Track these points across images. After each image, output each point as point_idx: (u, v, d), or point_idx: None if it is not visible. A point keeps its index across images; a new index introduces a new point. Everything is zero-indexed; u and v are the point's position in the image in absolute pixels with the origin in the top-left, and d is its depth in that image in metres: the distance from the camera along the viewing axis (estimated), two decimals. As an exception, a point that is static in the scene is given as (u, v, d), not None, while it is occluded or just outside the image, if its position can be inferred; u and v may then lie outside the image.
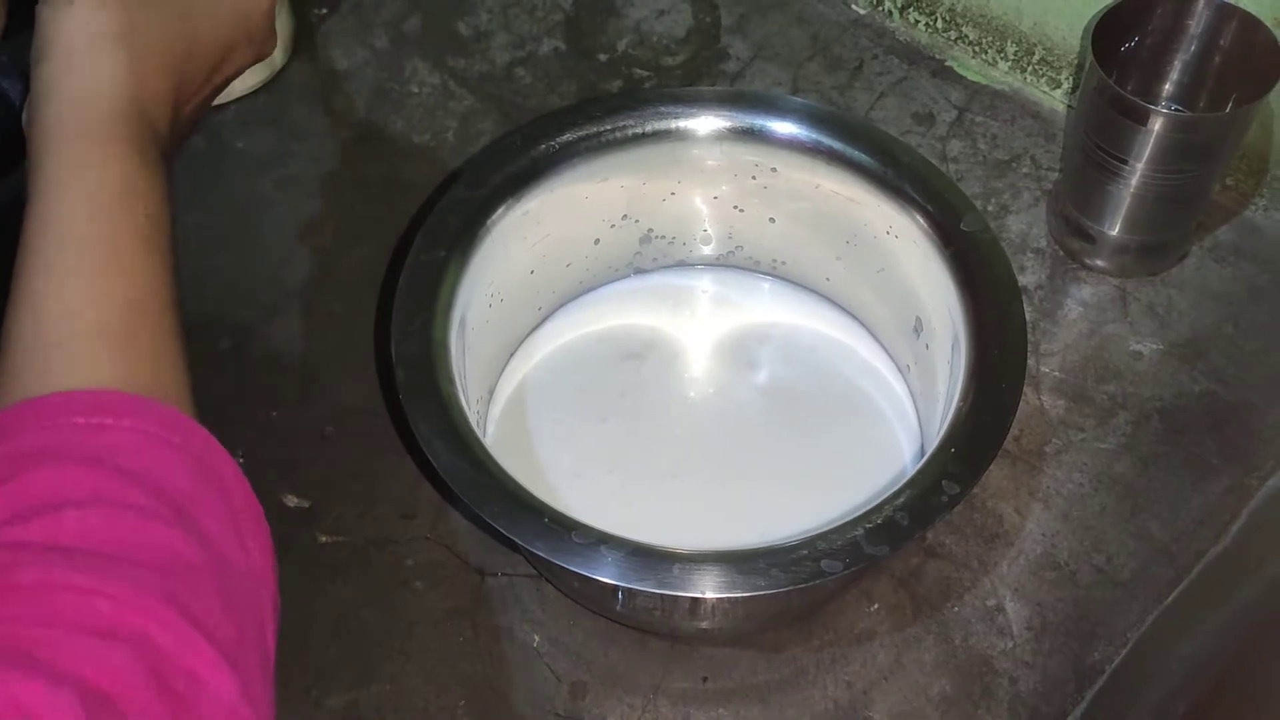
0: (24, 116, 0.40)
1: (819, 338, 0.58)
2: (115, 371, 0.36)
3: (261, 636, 0.35)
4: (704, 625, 0.49)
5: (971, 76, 0.71)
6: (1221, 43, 0.57)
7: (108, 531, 0.32)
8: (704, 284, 0.60)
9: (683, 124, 0.54)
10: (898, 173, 0.52)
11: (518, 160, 0.53)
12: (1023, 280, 0.62)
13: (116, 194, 0.39)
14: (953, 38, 0.72)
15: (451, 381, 0.47)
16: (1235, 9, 0.56)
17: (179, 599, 0.32)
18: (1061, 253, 0.63)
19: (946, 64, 0.72)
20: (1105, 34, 0.56)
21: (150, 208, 0.39)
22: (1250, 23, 0.55)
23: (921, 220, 0.51)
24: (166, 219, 0.40)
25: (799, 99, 0.56)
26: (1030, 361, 0.59)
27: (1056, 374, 0.59)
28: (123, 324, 0.37)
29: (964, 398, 0.46)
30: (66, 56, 0.40)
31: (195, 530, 0.34)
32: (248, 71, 0.69)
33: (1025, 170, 0.67)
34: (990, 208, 0.65)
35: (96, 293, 0.37)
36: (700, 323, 0.59)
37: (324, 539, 0.54)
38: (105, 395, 0.35)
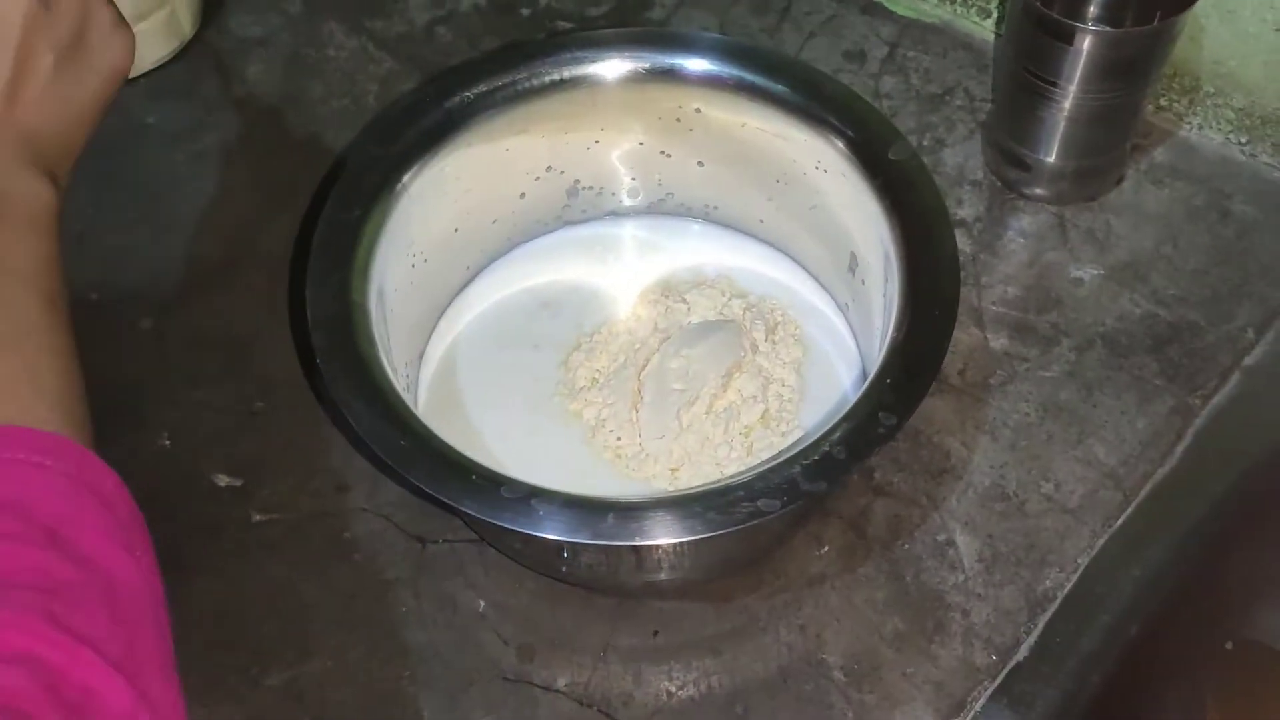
0: None
1: (755, 278, 0.57)
2: None
3: (160, 638, 0.36)
4: (650, 578, 0.48)
5: (901, 11, 0.70)
6: (1145, -42, 0.56)
7: None
8: (635, 231, 0.59)
9: (599, 68, 0.52)
10: (821, 105, 0.51)
11: (432, 114, 0.51)
12: (960, 213, 0.61)
13: None
14: (880, -28, 0.71)
15: (372, 343, 0.45)
16: (1156, -78, 0.55)
17: (61, 617, 0.32)
18: (999, 184, 0.62)
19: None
20: (1028, -45, 0.55)
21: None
22: (1172, -65, 0.54)
23: (848, 151, 0.50)
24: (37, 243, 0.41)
25: (715, 35, 0.55)
26: (971, 294, 0.58)
27: (998, 306, 0.58)
28: None
29: (898, 328, 0.45)
30: None
31: (69, 549, 0.35)
32: (157, 42, 0.67)
33: (959, 103, 0.66)
34: (925, 142, 0.64)
35: None
36: (634, 271, 0.58)
37: (258, 517, 0.52)
38: None
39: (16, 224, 0.42)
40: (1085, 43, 0.53)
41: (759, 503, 0.40)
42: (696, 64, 0.52)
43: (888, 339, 0.45)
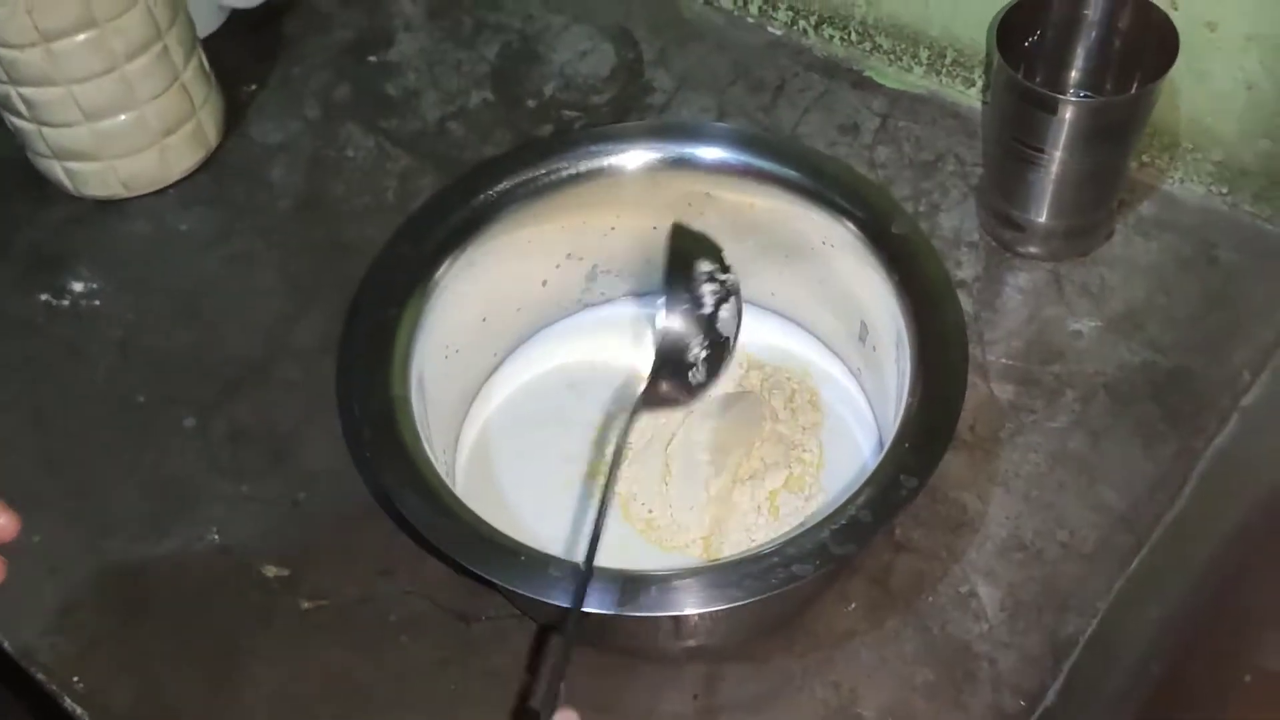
0: None
1: (770, 350, 0.60)
2: None
3: None
4: (689, 643, 0.50)
5: (890, 84, 0.74)
6: (1120, 26, 0.59)
7: None
8: (652, 310, 0.62)
9: (614, 161, 0.55)
10: (825, 184, 0.54)
11: (458, 212, 0.54)
12: (960, 274, 0.64)
13: None
14: (868, 49, 0.74)
15: (416, 435, 0.48)
16: (1128, -6, 0.58)
17: None
18: (994, 244, 0.65)
19: (865, 74, 0.74)
20: (1008, 31, 0.58)
21: None
22: (1144, 5, 0.58)
23: (853, 228, 0.53)
24: None
25: (723, 124, 0.58)
26: (975, 351, 0.61)
27: (1002, 361, 0.60)
28: None
29: (912, 394, 0.47)
30: None
31: None
32: (186, 153, 0.70)
33: (951, 169, 0.69)
34: (922, 208, 0.67)
35: None
36: (652, 348, 0.60)
37: (306, 604, 0.55)
38: None
39: None
40: (1068, 113, 0.56)
41: (793, 568, 0.42)
42: (705, 152, 0.55)
43: (903, 405, 0.47)
